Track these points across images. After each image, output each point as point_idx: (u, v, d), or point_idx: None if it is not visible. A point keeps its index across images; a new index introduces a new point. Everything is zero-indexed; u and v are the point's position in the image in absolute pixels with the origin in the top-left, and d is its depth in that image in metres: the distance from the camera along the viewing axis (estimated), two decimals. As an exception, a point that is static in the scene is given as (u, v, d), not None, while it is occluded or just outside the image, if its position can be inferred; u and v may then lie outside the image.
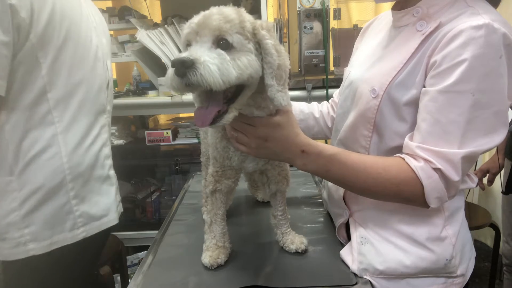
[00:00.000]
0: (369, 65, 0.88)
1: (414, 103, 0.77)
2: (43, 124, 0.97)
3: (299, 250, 0.95)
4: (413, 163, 0.74)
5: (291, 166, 0.87)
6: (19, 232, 0.96)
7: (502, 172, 1.80)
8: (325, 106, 1.18)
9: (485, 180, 1.85)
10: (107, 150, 1.17)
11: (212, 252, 0.90)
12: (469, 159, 0.73)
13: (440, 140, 0.72)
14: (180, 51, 2.00)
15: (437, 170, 0.72)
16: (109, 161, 1.19)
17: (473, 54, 0.69)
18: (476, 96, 0.70)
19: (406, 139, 0.77)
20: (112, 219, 1.15)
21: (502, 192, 1.76)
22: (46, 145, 0.97)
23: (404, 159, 0.76)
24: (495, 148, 1.79)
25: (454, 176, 0.72)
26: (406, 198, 0.77)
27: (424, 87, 0.76)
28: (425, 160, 0.73)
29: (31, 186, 0.96)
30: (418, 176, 0.73)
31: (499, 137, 0.73)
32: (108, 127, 1.20)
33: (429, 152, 0.73)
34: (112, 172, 1.19)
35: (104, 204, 1.12)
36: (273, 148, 0.77)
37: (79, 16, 1.04)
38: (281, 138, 0.77)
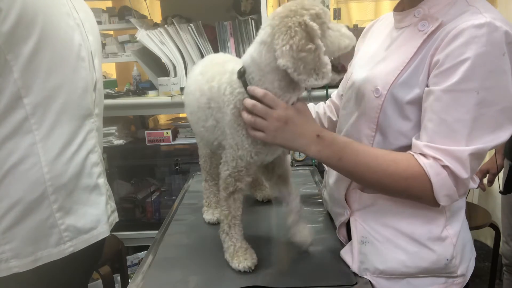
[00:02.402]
0: (372, 66, 0.89)
1: (418, 102, 0.78)
2: (20, 133, 0.89)
3: (308, 242, 0.97)
4: (422, 160, 0.75)
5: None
6: (0, 249, 0.90)
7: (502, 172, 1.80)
8: (321, 107, 1.18)
9: (485, 180, 1.84)
10: (95, 157, 1.07)
11: (244, 256, 0.90)
12: (477, 156, 0.73)
13: (447, 139, 0.73)
14: (180, 51, 2.01)
15: (446, 167, 0.73)
16: (98, 169, 1.08)
17: (475, 53, 0.70)
18: (480, 94, 0.71)
19: (414, 139, 0.78)
20: (103, 231, 1.06)
21: (500, 192, 1.76)
22: (23, 155, 0.90)
23: (413, 155, 0.77)
24: (494, 149, 1.79)
25: (463, 173, 0.72)
26: (415, 195, 0.78)
27: (427, 86, 0.76)
28: (434, 158, 0.74)
29: (9, 200, 0.89)
30: (426, 172, 0.74)
31: (507, 134, 0.74)
32: (96, 132, 1.09)
33: (437, 151, 0.73)
34: (101, 181, 1.09)
35: (93, 216, 1.03)
36: (292, 131, 0.80)
37: (57, 13, 0.95)
38: (299, 122, 0.80)
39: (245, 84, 0.82)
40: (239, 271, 0.88)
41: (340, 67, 0.82)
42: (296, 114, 0.80)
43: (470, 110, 0.71)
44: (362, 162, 0.78)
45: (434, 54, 0.75)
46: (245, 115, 0.82)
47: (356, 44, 1.06)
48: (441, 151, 0.73)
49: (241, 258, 0.89)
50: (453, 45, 0.72)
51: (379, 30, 0.97)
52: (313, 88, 2.01)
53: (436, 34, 0.76)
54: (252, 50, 0.81)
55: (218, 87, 0.87)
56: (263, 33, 0.79)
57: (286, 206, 1.03)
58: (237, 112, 0.83)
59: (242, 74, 0.82)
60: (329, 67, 0.76)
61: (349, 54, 0.86)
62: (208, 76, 0.93)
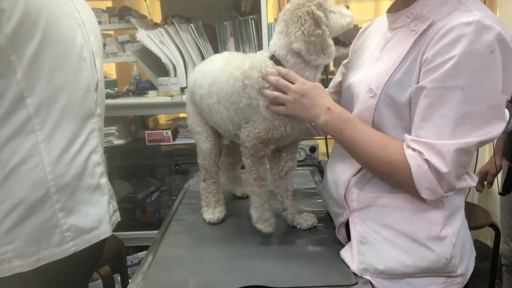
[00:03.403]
0: (366, 67, 0.90)
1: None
2: (23, 133, 0.89)
3: (315, 225, 1.10)
4: (408, 151, 0.78)
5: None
6: (2, 249, 0.89)
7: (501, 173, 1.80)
8: None
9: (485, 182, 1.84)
10: (97, 157, 1.06)
11: (269, 222, 1.02)
12: (464, 151, 0.74)
13: (431, 134, 0.75)
14: (180, 51, 2.01)
15: (427, 161, 0.74)
16: (100, 169, 1.08)
17: (462, 50, 0.70)
18: (466, 91, 0.71)
19: (405, 134, 0.80)
20: (105, 231, 1.06)
21: (499, 193, 1.75)
22: (26, 156, 0.90)
23: (403, 145, 0.79)
24: (493, 150, 1.79)
25: (443, 167, 0.73)
26: (397, 181, 0.81)
27: (418, 83, 0.77)
28: (418, 151, 0.76)
29: (12, 200, 0.89)
30: (408, 163, 0.76)
31: (496, 130, 0.74)
32: (98, 132, 1.09)
33: (420, 144, 0.76)
34: (103, 181, 1.09)
35: (95, 216, 1.03)
36: (306, 102, 0.90)
37: (60, 14, 0.95)
38: (313, 95, 0.90)
39: (277, 62, 0.95)
40: (262, 232, 1.02)
41: (347, 41, 0.98)
42: (311, 89, 0.90)
43: (455, 106, 0.72)
44: (358, 140, 0.83)
45: (424, 53, 0.76)
46: (267, 91, 0.93)
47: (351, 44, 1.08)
48: (423, 145, 0.75)
49: (267, 223, 1.02)
50: (441, 43, 0.73)
51: (375, 32, 0.99)
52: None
53: (427, 33, 0.77)
54: (273, 41, 0.97)
55: (253, 67, 0.97)
56: (279, 26, 0.95)
57: (279, 203, 1.12)
58: (266, 85, 0.95)
59: (273, 56, 0.96)
60: (333, 48, 0.91)
61: (352, 31, 1.00)
62: (237, 64, 1.01)
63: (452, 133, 0.73)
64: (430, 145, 0.74)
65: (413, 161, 0.76)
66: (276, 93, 0.92)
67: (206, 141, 1.18)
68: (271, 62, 0.95)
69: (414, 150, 0.77)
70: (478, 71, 0.71)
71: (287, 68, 0.94)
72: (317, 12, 0.89)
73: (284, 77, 0.93)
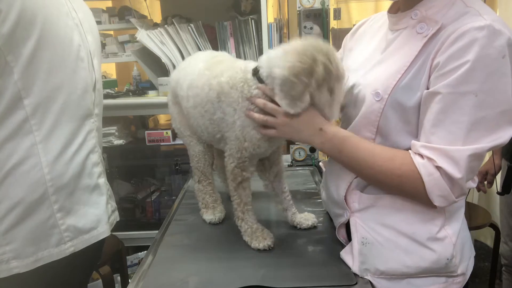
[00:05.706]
0: (368, 68, 0.88)
1: (420, 106, 0.78)
2: (20, 134, 0.89)
3: (315, 224, 1.08)
4: (417, 159, 0.76)
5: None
6: (1, 250, 0.90)
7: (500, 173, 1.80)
8: None
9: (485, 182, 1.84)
10: (95, 157, 1.07)
11: (262, 236, 0.99)
12: (476, 157, 0.74)
13: (444, 140, 0.73)
14: (180, 51, 2.01)
15: (439, 168, 0.73)
16: (98, 169, 1.08)
17: (476, 55, 0.70)
18: (479, 96, 0.71)
19: (413, 140, 0.79)
20: (103, 231, 1.06)
21: (498, 193, 1.75)
22: (24, 156, 0.90)
23: (410, 154, 0.78)
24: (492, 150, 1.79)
25: (456, 173, 0.73)
26: (408, 192, 0.79)
27: (427, 88, 0.76)
28: (428, 158, 0.74)
29: (10, 201, 0.89)
30: (419, 172, 0.75)
31: (507, 135, 0.74)
32: (96, 132, 1.09)
33: (432, 151, 0.74)
34: (102, 181, 1.09)
35: (93, 216, 1.03)
36: (297, 125, 0.86)
37: (56, 14, 0.95)
38: (303, 118, 0.85)
39: (260, 80, 0.89)
40: (259, 250, 0.97)
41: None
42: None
43: (468, 112, 0.71)
44: (360, 157, 0.81)
45: (435, 57, 0.75)
46: (256, 115, 0.89)
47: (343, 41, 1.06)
48: (436, 151, 0.74)
49: (260, 238, 0.98)
50: (453, 47, 0.72)
51: (372, 31, 0.97)
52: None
53: (437, 37, 0.76)
54: (272, 53, 0.88)
55: (232, 84, 0.92)
56: (292, 45, 0.84)
57: (279, 204, 1.11)
58: (252, 107, 0.90)
59: (256, 72, 0.89)
60: (304, 106, 0.83)
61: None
62: (216, 71, 0.97)
63: (465, 138, 0.72)
64: (442, 151, 0.73)
65: (424, 169, 0.75)
66: (265, 117, 0.88)
67: (199, 144, 1.16)
68: (255, 81, 0.89)
69: (423, 157, 0.75)
70: (491, 76, 0.71)
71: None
72: (321, 67, 0.80)
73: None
